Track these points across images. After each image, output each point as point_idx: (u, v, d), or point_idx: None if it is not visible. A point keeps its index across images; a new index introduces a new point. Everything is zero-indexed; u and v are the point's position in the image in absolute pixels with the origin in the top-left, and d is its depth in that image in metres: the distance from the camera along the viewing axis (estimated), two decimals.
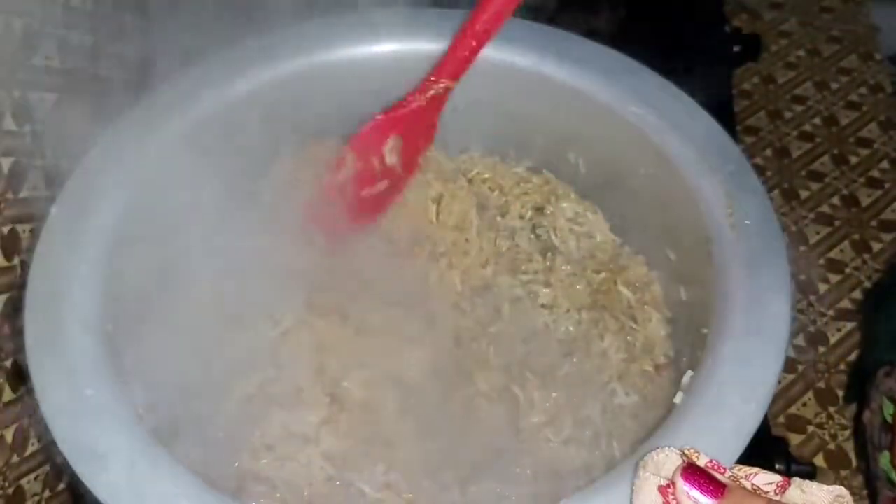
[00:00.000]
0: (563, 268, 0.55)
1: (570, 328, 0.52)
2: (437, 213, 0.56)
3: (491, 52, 0.56)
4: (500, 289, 0.54)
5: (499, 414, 0.49)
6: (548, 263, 0.56)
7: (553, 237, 0.57)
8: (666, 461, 0.32)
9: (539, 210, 0.59)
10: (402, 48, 0.57)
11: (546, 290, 0.54)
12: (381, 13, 0.57)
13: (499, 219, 0.58)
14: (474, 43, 0.50)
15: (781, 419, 0.69)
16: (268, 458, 0.47)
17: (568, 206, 0.58)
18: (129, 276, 0.47)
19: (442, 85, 0.51)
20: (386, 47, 0.57)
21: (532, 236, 0.58)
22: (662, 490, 0.32)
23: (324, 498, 0.46)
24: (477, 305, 0.53)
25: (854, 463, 0.67)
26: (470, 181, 0.59)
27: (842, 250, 0.82)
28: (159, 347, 0.47)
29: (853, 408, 0.70)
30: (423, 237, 0.56)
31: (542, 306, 0.54)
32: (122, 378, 0.42)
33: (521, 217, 0.59)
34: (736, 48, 0.84)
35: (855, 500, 0.65)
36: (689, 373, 0.43)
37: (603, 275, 0.55)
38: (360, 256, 0.54)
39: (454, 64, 0.51)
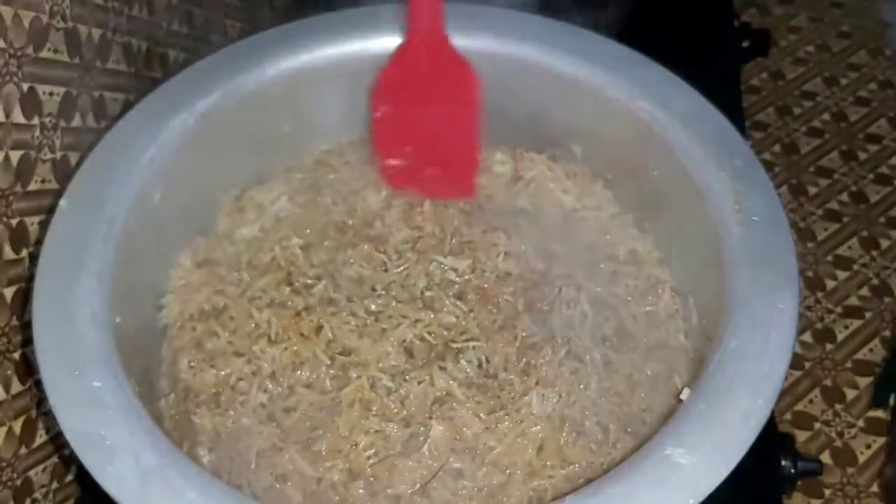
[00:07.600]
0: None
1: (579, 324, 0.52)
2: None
3: (500, 47, 0.56)
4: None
5: None
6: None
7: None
8: None
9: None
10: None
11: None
12: (384, 8, 0.57)
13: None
14: None
15: (788, 416, 0.69)
16: None
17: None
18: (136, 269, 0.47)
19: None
20: (391, 41, 0.56)
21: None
22: None
23: None
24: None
25: (860, 460, 0.67)
26: None
27: (850, 247, 0.82)
28: None
29: (861, 405, 0.70)
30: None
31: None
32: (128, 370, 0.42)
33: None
34: (745, 43, 0.83)
35: (862, 499, 0.65)
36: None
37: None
38: None
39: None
